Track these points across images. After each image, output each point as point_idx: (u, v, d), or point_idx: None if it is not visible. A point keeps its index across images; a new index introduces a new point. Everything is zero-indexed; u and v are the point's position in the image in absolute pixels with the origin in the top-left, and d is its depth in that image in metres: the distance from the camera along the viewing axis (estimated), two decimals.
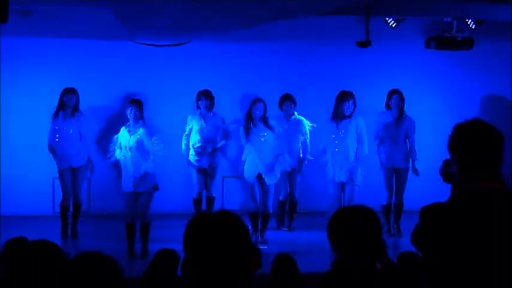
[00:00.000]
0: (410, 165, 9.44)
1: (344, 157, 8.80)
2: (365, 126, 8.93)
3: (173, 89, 10.50)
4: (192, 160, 9.70)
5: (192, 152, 9.70)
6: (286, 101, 9.48)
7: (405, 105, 9.48)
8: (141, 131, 8.16)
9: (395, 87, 9.51)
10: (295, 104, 9.49)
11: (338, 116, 8.80)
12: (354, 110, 8.83)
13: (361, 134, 8.86)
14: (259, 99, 8.70)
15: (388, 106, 9.47)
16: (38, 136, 9.84)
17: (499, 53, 10.82)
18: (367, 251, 3.29)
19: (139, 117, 8.21)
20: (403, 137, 9.44)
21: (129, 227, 8.27)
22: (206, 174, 9.75)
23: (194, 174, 9.72)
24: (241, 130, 8.69)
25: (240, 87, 10.47)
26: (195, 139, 9.66)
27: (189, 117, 9.78)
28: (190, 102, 9.92)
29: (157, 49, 9.94)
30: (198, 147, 9.62)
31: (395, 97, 9.37)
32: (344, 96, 8.80)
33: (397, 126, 9.39)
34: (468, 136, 2.95)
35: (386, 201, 9.43)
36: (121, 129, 8.34)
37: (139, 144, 8.15)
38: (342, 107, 8.77)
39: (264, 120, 8.58)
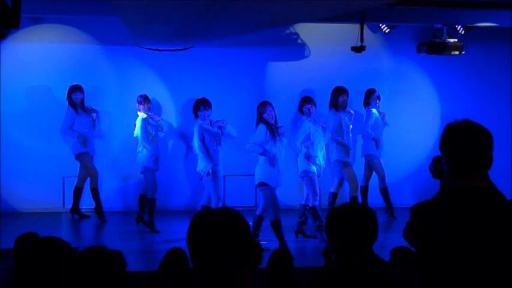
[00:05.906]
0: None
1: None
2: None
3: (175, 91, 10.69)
4: None
5: None
6: (307, 103, 8.99)
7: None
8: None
9: (373, 87, 10.16)
10: (315, 106, 9.03)
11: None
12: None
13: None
14: (268, 103, 8.43)
15: (367, 104, 10.16)
16: (49, 136, 10.15)
17: (488, 57, 11.18)
18: (360, 246, 3.37)
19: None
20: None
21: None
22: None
23: None
24: (266, 133, 8.24)
25: (239, 91, 10.61)
26: None
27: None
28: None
29: (161, 53, 10.12)
30: None
31: (375, 96, 10.09)
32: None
33: (380, 121, 10.18)
34: (458, 136, 2.98)
35: (363, 183, 10.23)
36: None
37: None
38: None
39: (276, 127, 8.35)
